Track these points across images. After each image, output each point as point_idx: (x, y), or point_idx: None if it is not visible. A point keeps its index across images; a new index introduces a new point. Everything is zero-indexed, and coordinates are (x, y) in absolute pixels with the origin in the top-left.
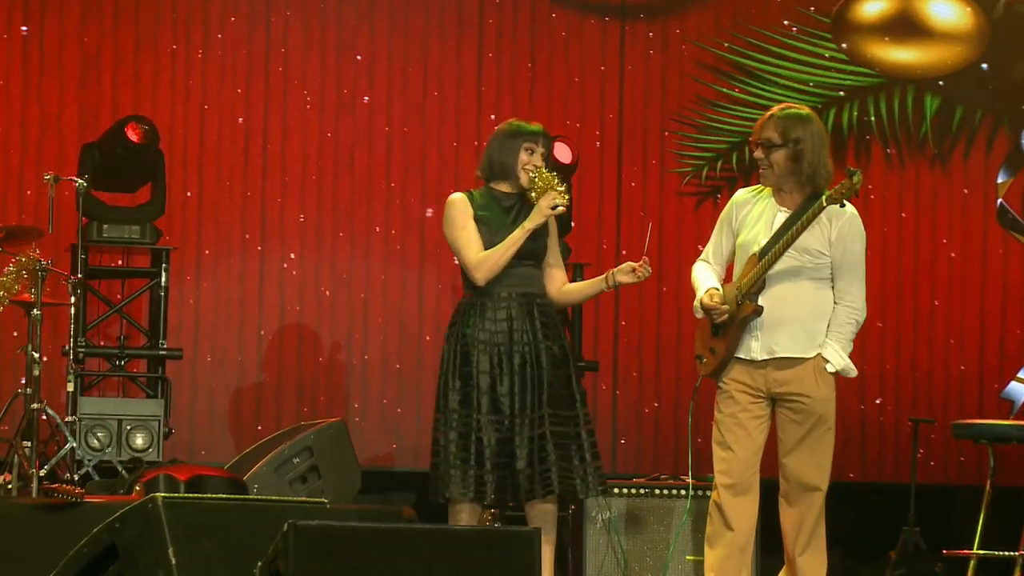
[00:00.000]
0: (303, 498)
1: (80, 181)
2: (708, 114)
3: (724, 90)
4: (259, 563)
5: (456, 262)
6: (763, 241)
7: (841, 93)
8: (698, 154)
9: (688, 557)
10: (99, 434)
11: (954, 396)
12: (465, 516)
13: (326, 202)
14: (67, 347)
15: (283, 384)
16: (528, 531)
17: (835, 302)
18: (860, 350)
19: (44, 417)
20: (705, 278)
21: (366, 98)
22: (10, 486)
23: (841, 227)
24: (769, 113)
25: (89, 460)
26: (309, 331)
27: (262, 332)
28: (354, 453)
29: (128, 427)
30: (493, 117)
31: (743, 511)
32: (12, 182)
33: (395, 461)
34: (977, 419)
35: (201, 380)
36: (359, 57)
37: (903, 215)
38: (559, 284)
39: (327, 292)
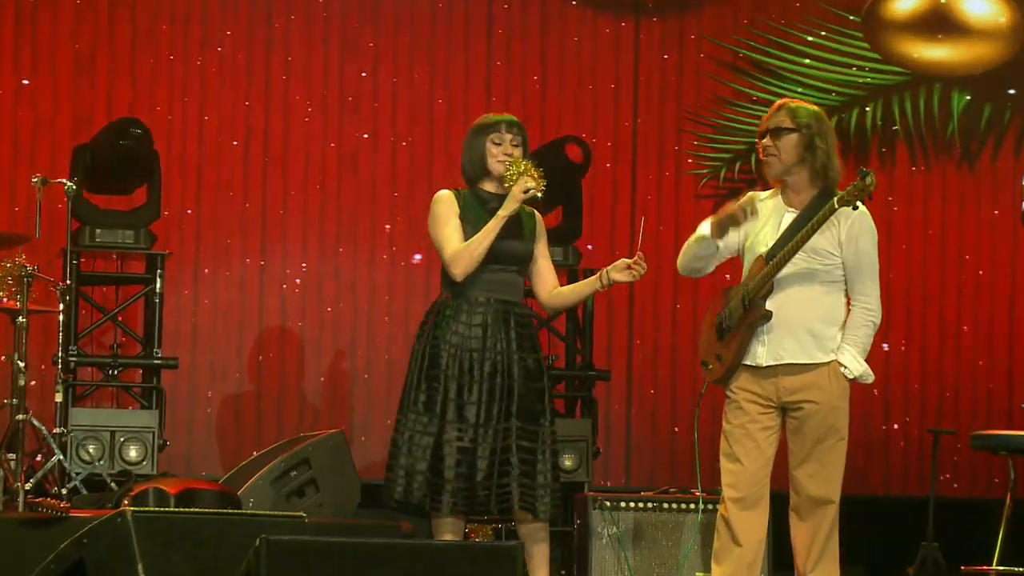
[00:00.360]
0: (280, 512)
1: (69, 184)
2: (726, 113)
3: (742, 89)
4: None
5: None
6: (770, 242)
7: (864, 92)
8: (716, 155)
9: (698, 573)
10: (90, 446)
11: (981, 409)
12: (448, 530)
13: (329, 207)
14: (56, 356)
15: (284, 395)
16: (510, 546)
17: (850, 304)
18: (883, 360)
19: (33, 428)
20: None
21: (368, 93)
22: None
23: (851, 226)
24: (779, 103)
25: (77, 474)
26: (311, 339)
27: (262, 340)
28: (354, 466)
29: (121, 439)
30: None
31: (751, 526)
32: (4, 186)
33: None
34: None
35: (199, 390)
36: (363, 55)
37: (928, 227)
38: (550, 287)
39: (329, 299)
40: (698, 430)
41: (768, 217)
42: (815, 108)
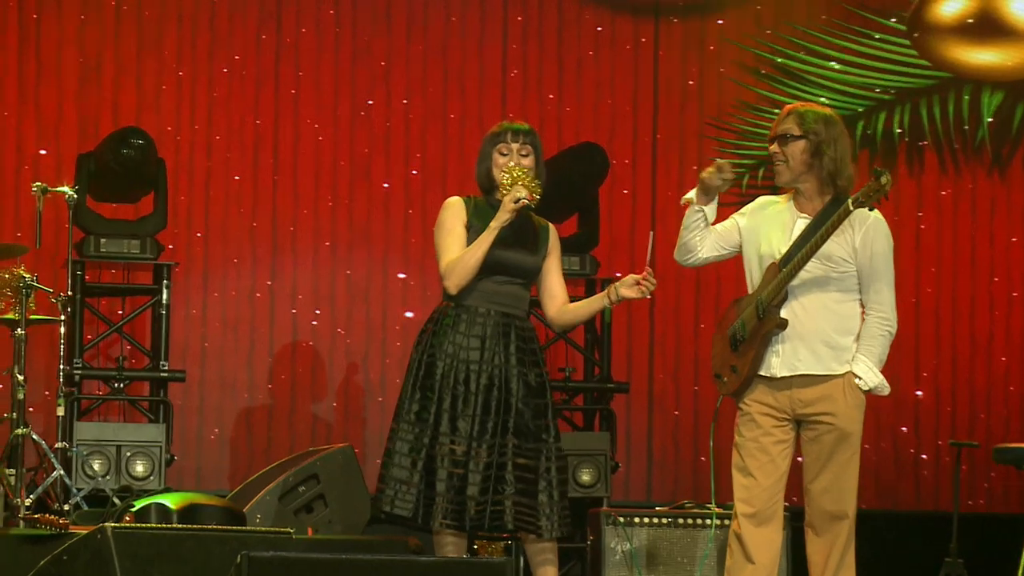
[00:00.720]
0: (267, 528)
1: (70, 192)
2: (748, 118)
3: (765, 93)
4: None
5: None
6: (783, 249)
7: (891, 96)
8: (738, 161)
9: None
10: (96, 461)
11: (1015, 427)
12: (448, 546)
13: (341, 214)
14: (60, 369)
15: (295, 409)
16: (499, 562)
17: (865, 313)
18: (912, 370)
19: (34, 443)
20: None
21: (381, 103)
22: None
23: (865, 232)
24: (788, 108)
25: (79, 489)
26: (323, 353)
27: (273, 354)
28: (363, 481)
29: (128, 454)
30: None
31: (765, 542)
32: (8, 195)
33: None
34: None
35: (209, 404)
36: (376, 60)
37: (957, 233)
38: (559, 303)
39: (342, 308)
40: (714, 444)
41: (780, 222)
42: (826, 112)
